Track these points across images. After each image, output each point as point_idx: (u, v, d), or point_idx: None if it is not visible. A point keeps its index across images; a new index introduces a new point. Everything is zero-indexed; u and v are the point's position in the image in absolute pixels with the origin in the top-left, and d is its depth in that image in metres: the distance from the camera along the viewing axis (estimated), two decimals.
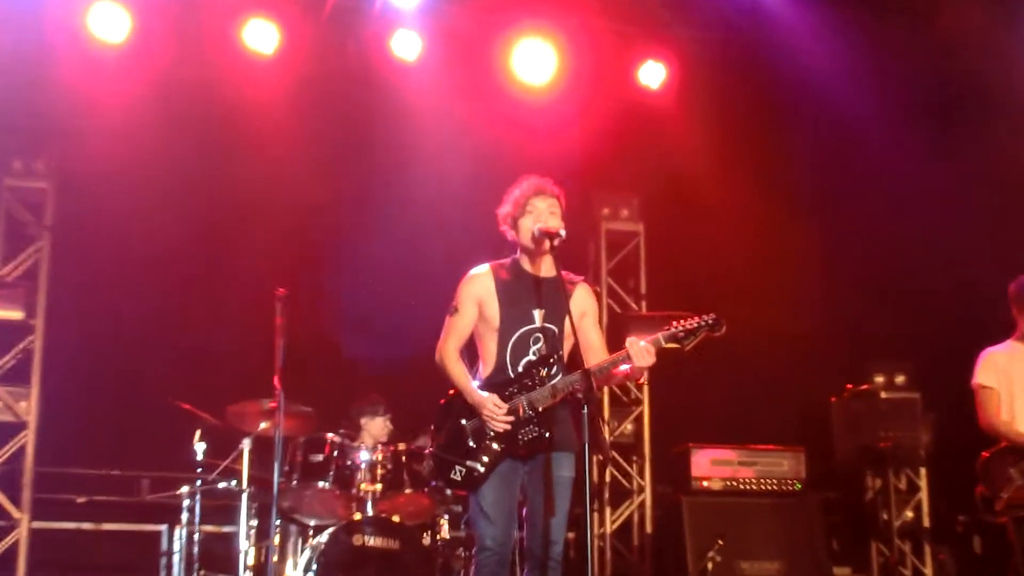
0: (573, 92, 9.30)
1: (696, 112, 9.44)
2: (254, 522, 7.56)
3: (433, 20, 8.92)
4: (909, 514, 10.00)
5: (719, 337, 5.45)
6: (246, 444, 7.56)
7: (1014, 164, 8.86)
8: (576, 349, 5.44)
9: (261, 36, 8.75)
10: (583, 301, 5.69)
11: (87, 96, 8.43)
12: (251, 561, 7.42)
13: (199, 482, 7.65)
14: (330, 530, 7.27)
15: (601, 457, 8.79)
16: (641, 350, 5.25)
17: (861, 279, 9.97)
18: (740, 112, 9.44)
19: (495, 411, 5.42)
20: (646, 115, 9.50)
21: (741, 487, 9.12)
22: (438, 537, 7.64)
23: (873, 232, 9.87)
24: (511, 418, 5.41)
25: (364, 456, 7.46)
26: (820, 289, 9.87)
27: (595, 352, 5.54)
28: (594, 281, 9.97)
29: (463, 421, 5.52)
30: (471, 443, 5.47)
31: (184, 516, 7.70)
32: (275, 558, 7.23)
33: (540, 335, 5.47)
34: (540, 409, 5.41)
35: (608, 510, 9.84)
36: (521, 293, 5.53)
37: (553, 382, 5.43)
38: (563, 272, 5.41)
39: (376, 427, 7.88)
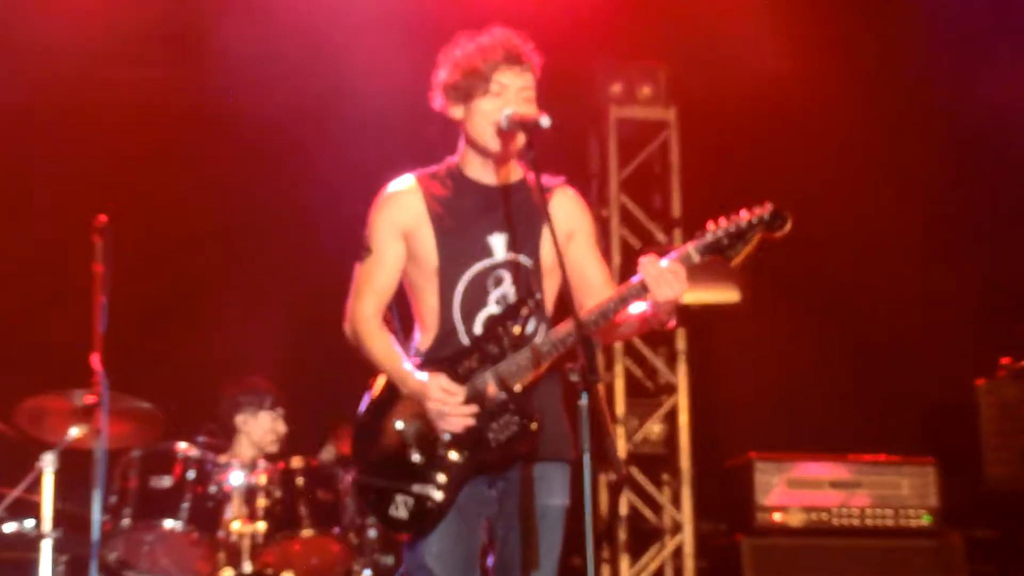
0: None
1: None
2: None
3: None
4: None
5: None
6: (48, 463, 6.48)
7: None
8: (566, 290, 4.67)
9: None
10: (569, 213, 4.98)
11: None
12: None
13: None
14: None
15: (613, 476, 8.36)
16: (662, 272, 4.57)
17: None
18: None
19: (446, 399, 4.69)
20: None
21: (835, 522, 8.17)
22: None
23: None
24: (474, 408, 4.67)
25: (237, 478, 6.58)
26: (954, 219, 8.80)
27: (595, 291, 4.86)
28: (599, 199, 9.01)
29: (398, 424, 4.85)
30: (415, 456, 4.79)
31: None
32: None
33: (504, 273, 4.85)
34: (517, 388, 4.70)
35: (626, 559, 8.68)
36: (469, 212, 4.91)
37: (533, 342, 4.74)
38: (536, 176, 4.68)
39: (259, 429, 7.02)
